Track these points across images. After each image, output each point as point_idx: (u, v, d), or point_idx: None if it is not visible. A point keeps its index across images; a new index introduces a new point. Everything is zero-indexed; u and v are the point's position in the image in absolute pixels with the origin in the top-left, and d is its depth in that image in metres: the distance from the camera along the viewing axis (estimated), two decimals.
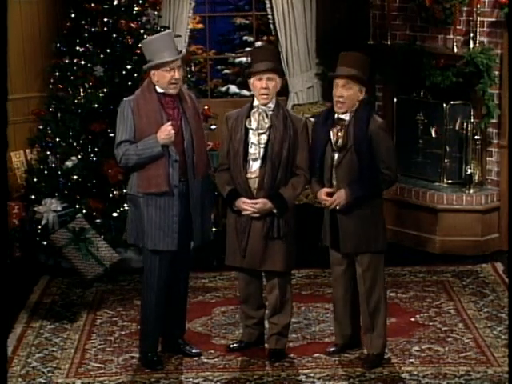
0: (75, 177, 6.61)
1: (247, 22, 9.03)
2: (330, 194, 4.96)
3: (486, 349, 5.34)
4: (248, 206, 5.00)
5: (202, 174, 5.08)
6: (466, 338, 5.48)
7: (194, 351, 5.31)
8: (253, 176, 5.05)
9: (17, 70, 7.29)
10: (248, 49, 8.98)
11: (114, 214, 6.49)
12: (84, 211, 6.48)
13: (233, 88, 9.29)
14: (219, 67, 9.29)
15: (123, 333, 5.64)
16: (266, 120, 5.04)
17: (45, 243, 6.50)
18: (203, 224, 5.12)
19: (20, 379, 5.10)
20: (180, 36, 7.27)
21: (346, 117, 4.95)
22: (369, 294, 5.05)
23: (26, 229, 6.66)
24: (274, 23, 7.82)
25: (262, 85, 4.99)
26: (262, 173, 5.02)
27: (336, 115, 4.98)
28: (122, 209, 6.43)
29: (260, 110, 5.05)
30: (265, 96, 5.01)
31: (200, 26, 8.41)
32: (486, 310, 5.87)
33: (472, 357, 5.25)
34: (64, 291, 6.27)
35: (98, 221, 6.48)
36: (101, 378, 5.09)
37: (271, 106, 5.05)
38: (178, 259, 5.10)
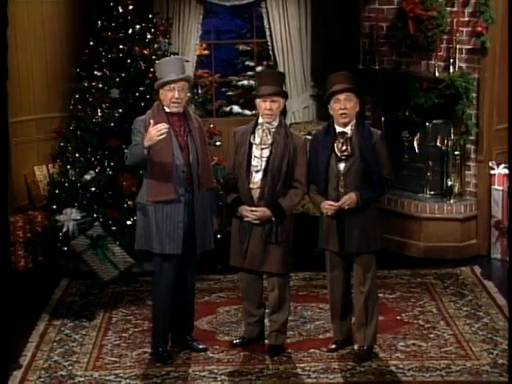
0: (93, 189, 6.62)
1: (249, 48, 9.04)
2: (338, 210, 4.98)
3: (465, 344, 5.35)
4: (249, 213, 5.03)
5: (206, 185, 5.10)
6: (447, 335, 5.48)
7: (200, 347, 5.32)
8: (255, 186, 5.08)
9: (41, 93, 7.33)
10: (250, 73, 9.02)
11: (128, 222, 6.48)
12: (101, 220, 6.49)
13: (236, 108, 9.32)
14: (223, 89, 9.32)
15: (136, 330, 5.65)
16: (269, 136, 5.06)
17: (65, 249, 6.51)
18: (205, 233, 5.13)
19: (43, 372, 5.12)
20: (188, 61, 7.30)
21: (348, 130, 4.99)
22: (369, 293, 5.07)
23: (48, 236, 6.66)
24: (272, 50, 7.83)
25: (266, 106, 5.02)
26: (263, 184, 5.05)
27: (337, 129, 5.01)
28: (135, 217, 6.40)
29: (264, 127, 5.07)
30: (269, 116, 5.04)
31: (206, 52, 8.43)
32: (465, 308, 5.88)
33: (452, 351, 5.26)
34: (83, 292, 6.29)
35: (113, 228, 6.48)
36: (116, 371, 5.10)
37: (274, 124, 5.07)
38: (185, 263, 5.11)
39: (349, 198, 4.94)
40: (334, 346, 5.27)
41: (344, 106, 4.95)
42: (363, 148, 4.95)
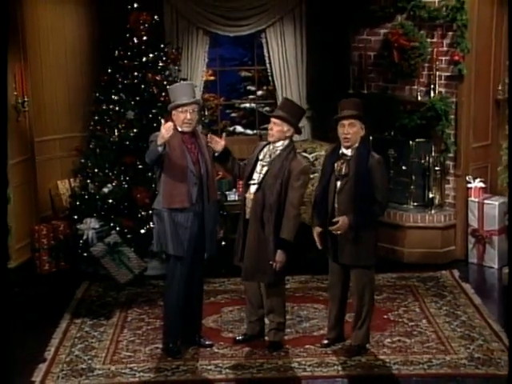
0: (110, 200, 6.63)
1: (250, 74, 9.06)
2: (331, 224, 4.94)
3: (444, 340, 5.36)
4: (276, 265, 4.96)
5: (213, 197, 5.13)
6: (429, 332, 5.49)
7: (207, 343, 5.33)
8: (250, 197, 5.07)
9: (63, 115, 7.36)
10: (251, 96, 9.06)
11: (142, 231, 6.49)
12: (117, 228, 6.50)
13: (239, 128, 9.33)
14: (227, 111, 9.34)
15: (149, 328, 5.66)
16: (270, 155, 5.05)
17: (85, 254, 6.52)
18: (212, 240, 5.15)
19: (65, 365, 5.14)
20: (196, 86, 7.33)
21: (349, 152, 4.99)
22: (359, 299, 5.07)
23: (70, 243, 6.67)
24: (272, 75, 7.85)
25: (269, 126, 5.07)
26: (255, 198, 5.02)
27: (341, 150, 5.02)
28: (148, 226, 6.44)
29: (270, 147, 5.07)
30: (269, 135, 5.06)
31: (212, 77, 8.45)
32: (444, 308, 5.89)
33: (433, 347, 5.27)
34: (101, 294, 6.29)
35: (128, 236, 6.49)
36: (131, 365, 5.12)
37: (279, 145, 5.04)
38: (194, 267, 5.12)
39: (342, 225, 4.87)
40: (326, 342, 5.28)
41: (347, 131, 4.95)
42: (358, 170, 4.92)
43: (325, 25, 7.63)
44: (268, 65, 7.84)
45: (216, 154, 5.06)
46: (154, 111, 6.74)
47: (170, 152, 4.98)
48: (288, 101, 5.33)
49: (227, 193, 7.45)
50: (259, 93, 8.75)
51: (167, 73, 6.99)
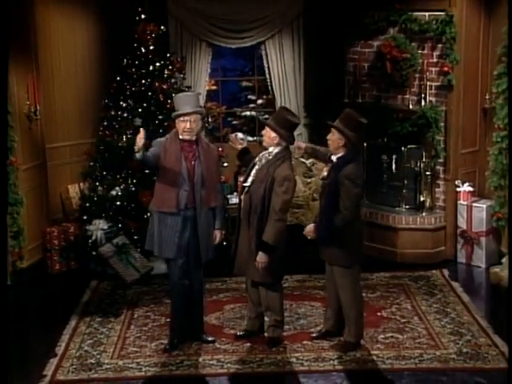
0: (118, 203, 6.64)
1: (251, 84, 9.10)
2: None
3: (435, 336, 5.37)
4: (258, 265, 4.97)
5: (208, 204, 5.07)
6: (420, 328, 5.50)
7: (209, 339, 5.33)
8: (243, 199, 5.10)
9: (74, 122, 7.36)
10: (251, 105, 9.09)
11: None
12: (125, 229, 6.53)
13: (240, 135, 9.35)
14: (229, 119, 9.37)
15: (155, 324, 5.66)
16: (262, 160, 5.07)
17: (94, 254, 6.53)
18: (208, 245, 5.12)
19: (75, 360, 5.14)
20: (200, 94, 7.35)
21: (334, 159, 5.04)
22: (344, 300, 5.08)
23: (79, 243, 6.67)
24: (271, 85, 7.85)
25: (263, 132, 5.10)
26: (245, 200, 5.06)
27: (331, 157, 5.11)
28: None
29: (265, 153, 5.09)
30: (264, 140, 5.09)
31: (214, 87, 8.47)
32: (435, 306, 5.89)
33: (424, 342, 5.28)
34: (109, 292, 6.29)
35: (135, 237, 6.50)
36: (138, 360, 5.12)
37: (272, 151, 5.05)
38: (192, 269, 5.11)
39: (309, 230, 5.00)
40: (314, 335, 5.29)
41: (328, 137, 5.05)
42: (331, 178, 4.97)
43: (321, 37, 7.64)
44: (267, 75, 7.84)
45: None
46: (160, 118, 6.74)
47: (167, 158, 4.98)
48: (282, 110, 5.22)
49: (229, 196, 7.46)
50: (259, 102, 8.78)
51: (173, 81, 6.98)
